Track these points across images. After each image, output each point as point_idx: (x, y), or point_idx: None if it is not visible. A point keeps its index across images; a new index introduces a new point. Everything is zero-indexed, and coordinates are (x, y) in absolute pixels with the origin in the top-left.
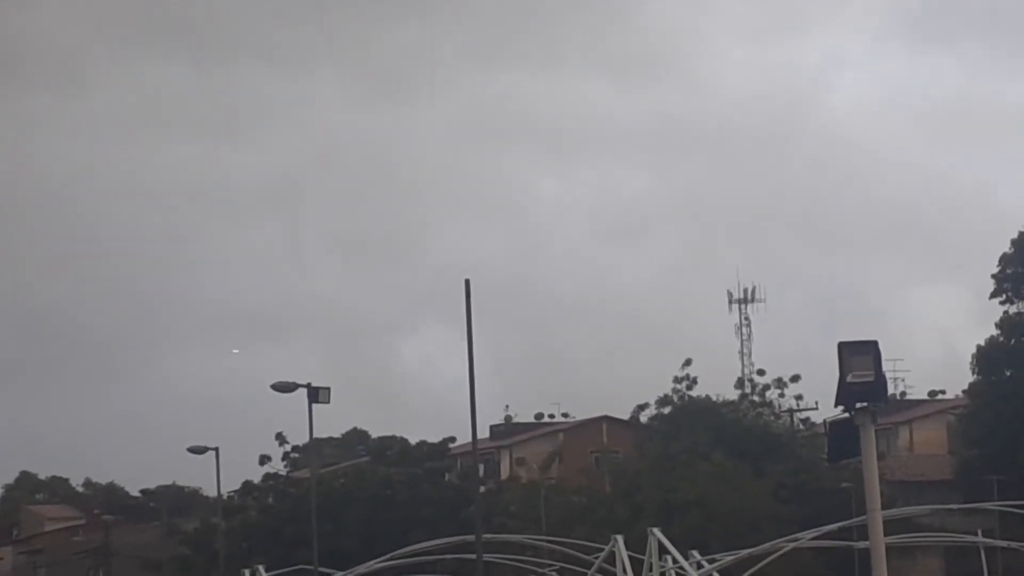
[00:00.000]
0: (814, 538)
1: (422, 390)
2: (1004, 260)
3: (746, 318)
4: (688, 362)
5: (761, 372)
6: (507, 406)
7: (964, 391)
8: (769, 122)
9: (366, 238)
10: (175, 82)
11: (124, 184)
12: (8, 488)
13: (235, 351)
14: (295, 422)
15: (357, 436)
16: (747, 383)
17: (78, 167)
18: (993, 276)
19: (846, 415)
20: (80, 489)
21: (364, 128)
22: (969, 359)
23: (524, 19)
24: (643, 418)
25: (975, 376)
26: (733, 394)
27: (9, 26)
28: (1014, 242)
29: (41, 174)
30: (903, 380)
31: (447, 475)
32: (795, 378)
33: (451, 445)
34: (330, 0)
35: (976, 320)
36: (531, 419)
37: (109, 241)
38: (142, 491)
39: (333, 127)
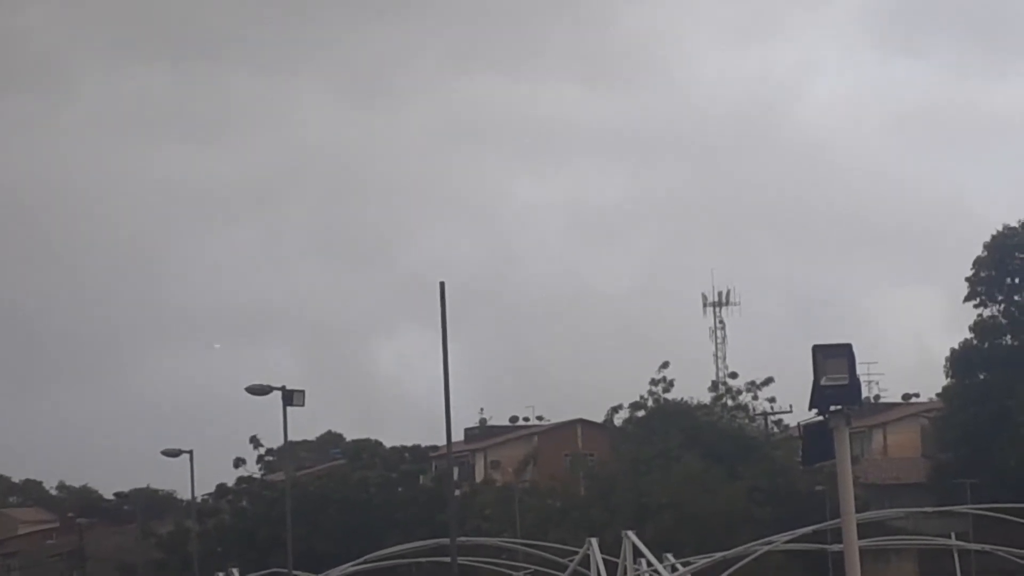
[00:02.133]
0: (788, 541)
1: (398, 393)
2: (978, 263)
3: (720, 321)
4: (666, 364)
5: (733, 375)
6: (482, 409)
7: (938, 394)
8: (745, 126)
9: (343, 241)
10: (156, 85)
11: (102, 185)
12: None
13: (216, 346)
14: (270, 425)
15: (332, 439)
16: (721, 386)
17: (57, 168)
18: (967, 279)
19: (820, 418)
20: (54, 492)
21: (342, 131)
22: (943, 362)
23: (501, 23)
24: (617, 420)
25: (949, 379)
26: (707, 397)
27: None
28: (987, 245)
29: (21, 175)
30: (877, 383)
31: (421, 478)
32: (768, 381)
33: (432, 455)
34: (310, 4)
35: (950, 323)
36: (506, 422)
37: (86, 242)
38: (116, 494)
39: (311, 130)
